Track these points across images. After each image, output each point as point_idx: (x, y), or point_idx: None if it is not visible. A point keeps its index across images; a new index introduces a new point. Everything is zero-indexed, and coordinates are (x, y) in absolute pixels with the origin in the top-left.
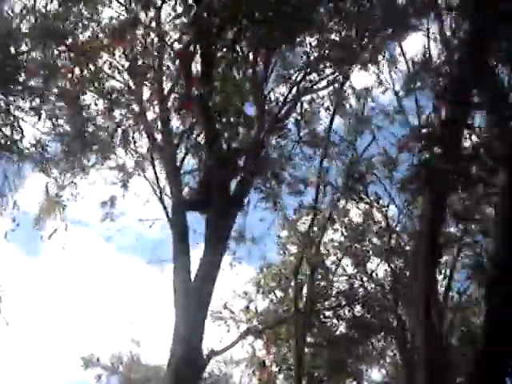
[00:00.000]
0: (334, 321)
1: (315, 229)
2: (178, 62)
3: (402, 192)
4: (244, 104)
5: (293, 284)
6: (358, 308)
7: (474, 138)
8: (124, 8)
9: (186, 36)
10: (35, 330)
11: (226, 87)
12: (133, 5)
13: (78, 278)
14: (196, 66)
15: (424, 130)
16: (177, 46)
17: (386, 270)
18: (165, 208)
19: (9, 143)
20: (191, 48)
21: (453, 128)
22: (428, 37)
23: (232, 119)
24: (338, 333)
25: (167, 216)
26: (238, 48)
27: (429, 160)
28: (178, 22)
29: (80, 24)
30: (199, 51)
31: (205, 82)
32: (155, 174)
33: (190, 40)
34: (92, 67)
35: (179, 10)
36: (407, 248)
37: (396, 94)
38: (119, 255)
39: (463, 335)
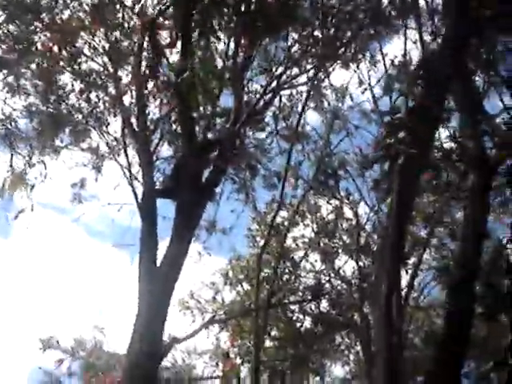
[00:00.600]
0: (300, 315)
1: (286, 223)
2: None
3: (375, 190)
4: (222, 91)
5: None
6: (324, 304)
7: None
8: None
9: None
10: None
11: (204, 69)
12: None
13: (46, 260)
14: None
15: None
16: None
17: (353, 268)
18: (135, 193)
19: None
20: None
21: (422, 115)
22: (405, 38)
23: (209, 107)
24: (303, 328)
25: (136, 201)
26: (220, 34)
27: (392, 144)
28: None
29: (60, 1)
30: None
31: (182, 67)
32: (127, 158)
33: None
34: (70, 47)
35: None
36: (375, 247)
37: (373, 94)
38: (89, 239)
39: (426, 335)
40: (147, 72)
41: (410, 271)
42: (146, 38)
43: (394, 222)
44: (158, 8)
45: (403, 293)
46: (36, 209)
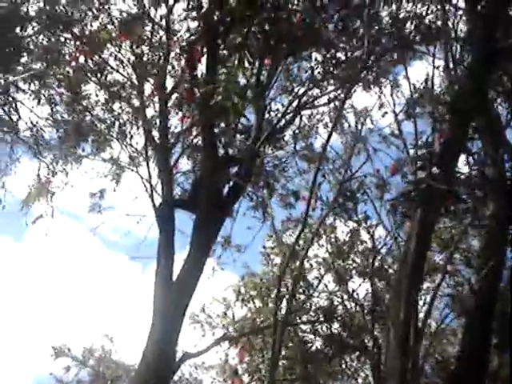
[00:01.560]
0: (311, 336)
1: (301, 242)
2: (184, 59)
3: (392, 212)
4: (244, 109)
5: (273, 295)
6: (335, 325)
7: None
8: (136, 1)
9: (194, 34)
10: (9, 315)
11: (229, 89)
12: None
13: (61, 267)
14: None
15: (422, 151)
16: (184, 44)
17: (366, 291)
18: (154, 205)
19: (4, 123)
20: (198, 47)
21: (451, 151)
22: (433, 65)
23: (231, 123)
24: (313, 348)
25: (156, 214)
26: (245, 52)
27: (423, 180)
28: (187, 19)
29: (90, 13)
30: (205, 49)
31: (207, 82)
32: (148, 170)
33: (197, 38)
34: (97, 58)
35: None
36: (390, 270)
37: (396, 117)
38: (104, 250)
39: (437, 363)
40: (184, 95)
41: (425, 297)
42: (183, 62)
43: (415, 249)
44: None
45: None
46: (55, 214)
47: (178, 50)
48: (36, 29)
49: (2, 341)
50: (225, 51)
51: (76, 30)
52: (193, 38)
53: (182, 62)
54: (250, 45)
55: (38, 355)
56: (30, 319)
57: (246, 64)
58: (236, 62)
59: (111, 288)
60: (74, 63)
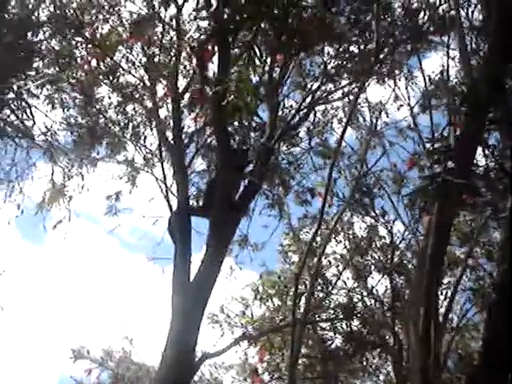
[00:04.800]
0: (331, 333)
1: (318, 239)
2: (195, 57)
3: (410, 206)
4: (257, 107)
5: (291, 293)
6: (355, 322)
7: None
8: (145, 3)
9: (204, 34)
10: (30, 318)
11: (241, 88)
12: (153, 1)
13: (79, 269)
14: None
15: (438, 144)
16: (195, 44)
17: (386, 287)
18: (170, 206)
19: (19, 129)
20: (209, 47)
21: (468, 144)
22: (447, 55)
23: (244, 122)
24: (333, 346)
25: (171, 217)
26: (255, 50)
27: (441, 173)
28: (197, 19)
29: (100, 16)
30: (216, 49)
31: (219, 82)
32: (163, 171)
33: (208, 38)
34: (109, 60)
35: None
36: (410, 266)
37: (411, 110)
38: (122, 251)
39: (460, 358)
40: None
41: (446, 292)
42: (194, 62)
43: (433, 243)
44: (194, 24)
45: (441, 317)
46: (73, 218)
47: (188, 50)
48: (48, 33)
49: (27, 343)
50: (236, 50)
51: (87, 34)
52: (203, 37)
53: (194, 62)
54: (260, 42)
55: (61, 357)
56: (54, 321)
57: (257, 62)
58: (247, 60)
59: (130, 289)
60: (86, 66)
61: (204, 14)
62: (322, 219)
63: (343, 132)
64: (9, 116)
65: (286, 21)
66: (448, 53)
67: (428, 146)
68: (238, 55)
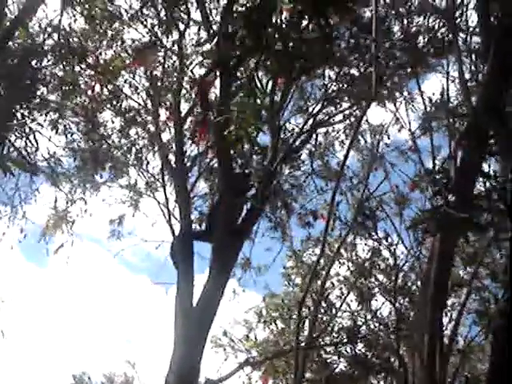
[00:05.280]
0: (335, 357)
1: (321, 261)
2: (196, 89)
3: (412, 231)
4: (259, 133)
5: (295, 316)
6: (359, 346)
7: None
8: (147, 30)
9: (206, 63)
10: (32, 342)
11: (243, 116)
12: (155, 28)
13: (83, 290)
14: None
15: (438, 176)
16: (197, 70)
17: (390, 309)
18: (172, 231)
19: (23, 155)
20: (210, 76)
21: (468, 175)
22: (447, 78)
23: (246, 147)
24: (337, 370)
25: (173, 240)
26: (256, 82)
27: (442, 206)
28: (199, 48)
29: (104, 43)
30: (218, 79)
31: (221, 110)
32: (165, 195)
33: (210, 68)
34: (112, 85)
35: (202, 34)
36: (413, 288)
37: (411, 132)
38: (125, 272)
39: (467, 381)
40: (196, 125)
41: (451, 314)
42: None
43: (436, 268)
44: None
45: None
46: (75, 240)
47: (190, 78)
48: (51, 61)
49: (28, 368)
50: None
51: (90, 60)
52: (203, 71)
53: (195, 90)
54: (261, 67)
55: (60, 382)
56: (56, 344)
57: (258, 93)
58: (247, 93)
59: (133, 311)
60: (89, 92)
61: (206, 47)
62: (325, 241)
63: (346, 155)
64: (14, 143)
65: (287, 49)
66: (448, 75)
67: (428, 170)
68: (238, 86)
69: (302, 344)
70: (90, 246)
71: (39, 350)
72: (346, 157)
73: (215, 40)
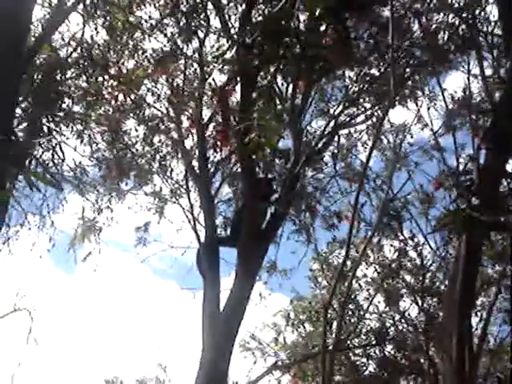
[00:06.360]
0: (364, 360)
1: (348, 263)
2: (217, 97)
3: (436, 232)
4: (280, 139)
5: (322, 319)
6: (388, 348)
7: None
8: (167, 39)
9: (227, 72)
10: (64, 348)
11: (263, 123)
12: (175, 36)
13: (112, 298)
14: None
15: (463, 178)
16: (218, 77)
17: (418, 310)
18: (198, 237)
19: (48, 168)
20: (231, 84)
21: (491, 176)
22: (468, 74)
23: (268, 152)
24: (366, 372)
25: (199, 244)
26: (275, 84)
27: (464, 209)
28: (219, 63)
29: (125, 53)
30: (238, 87)
31: (242, 118)
32: (189, 201)
33: (230, 76)
34: (134, 95)
35: (222, 42)
36: (442, 288)
37: (432, 131)
38: (154, 278)
39: (499, 381)
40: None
41: (482, 314)
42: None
43: (463, 269)
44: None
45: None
46: (102, 247)
47: (211, 83)
48: (75, 73)
49: (61, 374)
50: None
51: (113, 71)
52: (223, 81)
53: (216, 100)
54: (282, 71)
55: None
56: (87, 351)
57: (277, 101)
58: (267, 100)
59: (163, 317)
60: (113, 102)
61: (227, 56)
62: (350, 243)
63: (369, 155)
64: (41, 155)
65: (305, 52)
66: (469, 72)
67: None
68: (258, 94)
69: (330, 347)
70: (119, 253)
71: (71, 357)
72: (368, 157)
73: (235, 48)
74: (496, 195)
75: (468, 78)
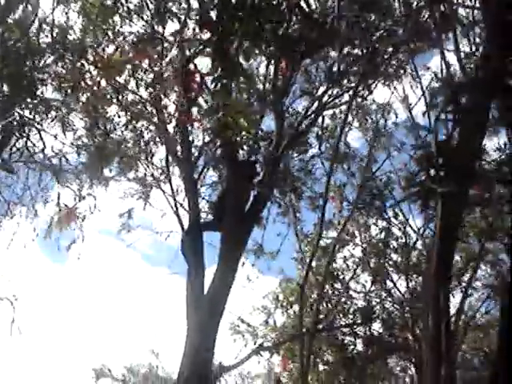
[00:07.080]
0: (351, 338)
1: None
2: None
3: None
4: (263, 115)
5: (312, 299)
6: (375, 326)
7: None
8: (145, 23)
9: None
10: (51, 337)
11: (237, 118)
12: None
13: (101, 285)
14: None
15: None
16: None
17: (405, 288)
18: (180, 222)
19: (31, 154)
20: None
21: (449, 149)
22: (442, 53)
23: (249, 133)
24: (354, 351)
25: (182, 229)
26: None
27: (423, 181)
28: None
29: (103, 38)
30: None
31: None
32: (171, 187)
33: (188, 57)
34: (115, 80)
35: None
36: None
37: (410, 111)
38: (144, 264)
39: (485, 356)
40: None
41: (466, 289)
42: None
43: (438, 245)
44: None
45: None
46: (90, 235)
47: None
48: (50, 60)
49: (48, 363)
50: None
51: (90, 56)
52: (186, 64)
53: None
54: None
55: (83, 377)
56: (75, 338)
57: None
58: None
59: (153, 302)
60: (94, 88)
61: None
62: (322, 221)
63: (341, 133)
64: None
65: (288, 28)
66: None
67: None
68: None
69: (320, 326)
70: (109, 240)
71: (59, 346)
72: (343, 136)
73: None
74: (455, 167)
75: (441, 56)
